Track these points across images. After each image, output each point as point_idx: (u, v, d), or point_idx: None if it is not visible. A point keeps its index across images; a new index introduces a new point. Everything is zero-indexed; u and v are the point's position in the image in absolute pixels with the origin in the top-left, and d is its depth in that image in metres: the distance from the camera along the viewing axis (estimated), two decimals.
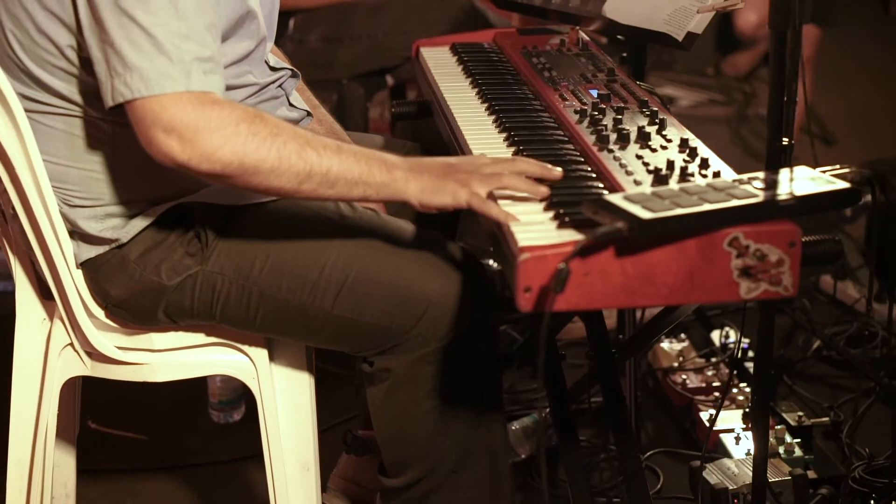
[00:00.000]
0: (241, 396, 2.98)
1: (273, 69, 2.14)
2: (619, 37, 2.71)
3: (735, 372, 3.05)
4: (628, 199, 1.66)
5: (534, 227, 1.74)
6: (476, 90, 2.40)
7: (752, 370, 3.01)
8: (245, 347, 2.13)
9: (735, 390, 2.96)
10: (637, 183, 1.83)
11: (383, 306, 1.99)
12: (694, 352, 3.16)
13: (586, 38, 2.70)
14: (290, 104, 2.20)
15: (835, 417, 2.91)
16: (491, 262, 3.08)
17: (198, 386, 2.88)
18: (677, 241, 1.63)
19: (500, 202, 1.82)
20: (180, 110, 1.76)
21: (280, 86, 2.16)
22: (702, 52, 5.83)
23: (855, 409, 2.98)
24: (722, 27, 5.58)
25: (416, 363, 2.01)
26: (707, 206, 1.63)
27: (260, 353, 2.13)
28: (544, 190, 1.82)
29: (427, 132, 2.57)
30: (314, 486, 2.23)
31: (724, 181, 1.73)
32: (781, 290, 1.68)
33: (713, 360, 3.12)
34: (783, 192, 1.68)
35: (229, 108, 1.80)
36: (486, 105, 2.30)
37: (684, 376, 3.02)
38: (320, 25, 3.63)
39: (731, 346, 3.17)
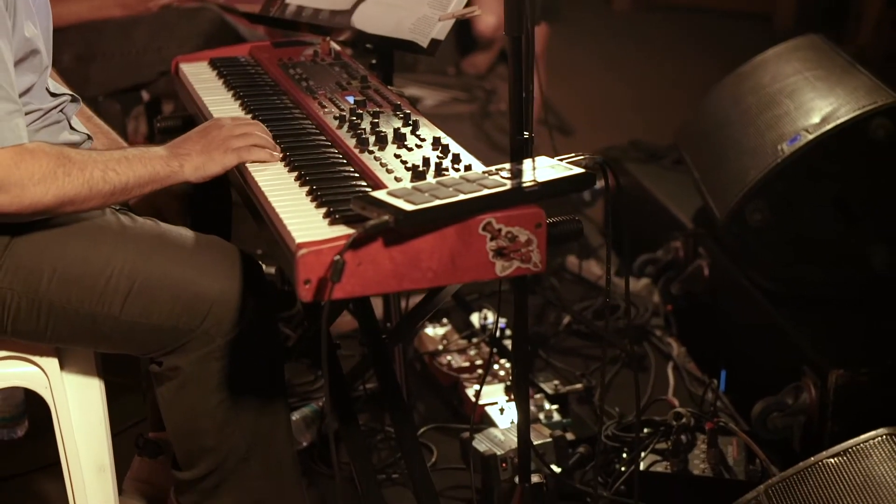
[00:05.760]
0: (24, 412, 3.01)
1: (53, 95, 2.24)
2: (367, 45, 2.89)
3: (496, 350, 3.29)
4: (392, 194, 1.85)
5: (308, 225, 1.91)
6: (239, 102, 2.55)
7: (510, 347, 3.25)
8: (35, 358, 2.21)
9: (497, 366, 3.19)
10: (398, 180, 2.02)
11: (170, 308, 2.11)
12: (456, 334, 3.38)
13: (338, 48, 2.88)
14: (72, 128, 2.29)
15: (587, 384, 3.18)
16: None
17: None
18: (438, 229, 1.83)
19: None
20: (2, 169, 1.96)
21: (61, 111, 2.26)
22: (442, 52, 5.98)
23: (603, 375, 3.27)
24: (461, 29, 5.81)
25: (203, 359, 2.14)
26: (462, 196, 1.84)
27: (51, 363, 2.22)
28: (278, 154, 2.19)
29: None
30: (111, 487, 2.33)
31: (475, 173, 1.94)
32: (531, 266, 1.90)
33: (474, 340, 3.34)
34: (527, 179, 1.90)
35: (43, 157, 2.00)
36: (250, 116, 2.44)
37: (449, 357, 3.23)
38: (72, 45, 3.66)
39: (490, 326, 3.40)
